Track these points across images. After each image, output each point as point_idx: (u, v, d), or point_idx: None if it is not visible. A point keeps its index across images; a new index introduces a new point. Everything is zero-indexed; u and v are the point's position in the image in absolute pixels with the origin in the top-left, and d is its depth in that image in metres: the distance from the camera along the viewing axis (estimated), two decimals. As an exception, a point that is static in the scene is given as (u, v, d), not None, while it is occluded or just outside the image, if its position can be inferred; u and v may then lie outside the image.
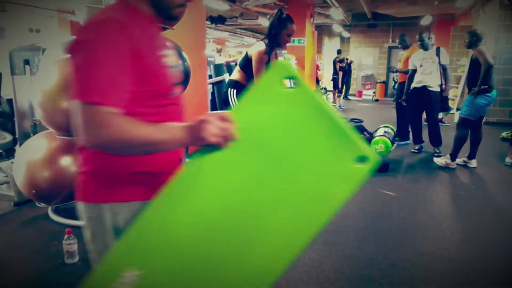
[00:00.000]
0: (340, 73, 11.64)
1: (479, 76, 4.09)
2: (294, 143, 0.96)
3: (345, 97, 12.97)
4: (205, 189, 0.98)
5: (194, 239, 1.00)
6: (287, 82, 0.94)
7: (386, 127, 5.04)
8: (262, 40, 2.91)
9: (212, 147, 0.93)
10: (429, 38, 5.07)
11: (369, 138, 4.93)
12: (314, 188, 0.97)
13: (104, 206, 1.01)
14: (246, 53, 2.93)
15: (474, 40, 4.22)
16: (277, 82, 0.94)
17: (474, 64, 4.19)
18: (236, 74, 3.00)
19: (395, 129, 5.10)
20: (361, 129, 5.19)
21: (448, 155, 4.48)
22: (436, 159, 4.64)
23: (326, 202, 0.97)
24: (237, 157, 0.96)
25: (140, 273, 0.98)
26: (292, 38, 2.99)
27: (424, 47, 4.96)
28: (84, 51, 0.88)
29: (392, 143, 4.71)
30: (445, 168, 4.44)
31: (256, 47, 2.86)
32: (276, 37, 2.84)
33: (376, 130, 5.08)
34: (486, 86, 4.10)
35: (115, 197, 1.01)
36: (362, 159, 0.94)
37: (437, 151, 4.90)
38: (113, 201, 1.01)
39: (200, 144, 0.93)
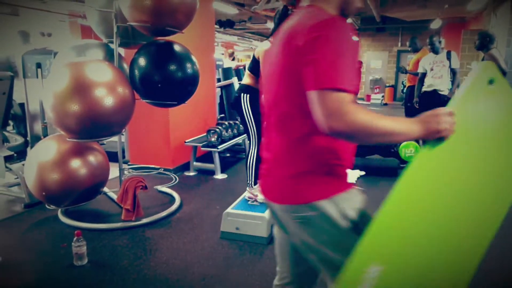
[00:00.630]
0: None
1: None
2: (492, 138, 1.05)
3: None
4: (435, 182, 1.03)
5: (429, 232, 1.03)
6: None
7: None
8: (267, 39, 2.91)
9: (438, 141, 0.98)
10: (439, 42, 5.03)
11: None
12: (506, 184, 1.06)
13: (326, 202, 1.03)
14: (253, 56, 2.93)
15: (486, 42, 4.12)
16: (484, 80, 1.03)
17: None
18: (247, 79, 3.00)
19: None
20: None
21: None
22: None
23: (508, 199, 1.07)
24: (452, 151, 1.02)
25: (381, 268, 0.99)
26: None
27: (435, 50, 4.92)
28: (330, 44, 0.92)
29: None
30: None
31: (262, 46, 2.86)
32: None
33: None
34: None
35: (329, 192, 1.04)
36: None
37: None
38: (330, 196, 1.03)
39: (432, 138, 0.98)
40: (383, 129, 0.92)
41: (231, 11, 9.64)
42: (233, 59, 10.37)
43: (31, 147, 3.54)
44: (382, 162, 4.56)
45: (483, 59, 4.21)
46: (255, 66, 2.91)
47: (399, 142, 0.96)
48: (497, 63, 3.95)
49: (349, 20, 10.01)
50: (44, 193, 2.81)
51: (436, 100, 4.81)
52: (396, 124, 0.94)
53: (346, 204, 1.05)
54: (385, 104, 12.87)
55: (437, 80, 4.80)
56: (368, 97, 13.35)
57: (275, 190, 1.12)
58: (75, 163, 2.85)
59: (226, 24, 11.66)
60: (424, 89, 4.98)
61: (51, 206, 3.00)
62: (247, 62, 4.52)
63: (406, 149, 4.47)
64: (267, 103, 1.14)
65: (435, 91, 4.81)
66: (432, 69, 4.86)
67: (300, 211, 1.05)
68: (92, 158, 2.97)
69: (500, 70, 3.92)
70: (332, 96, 0.89)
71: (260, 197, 3.03)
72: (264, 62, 1.21)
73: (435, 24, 11.25)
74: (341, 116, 0.88)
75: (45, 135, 3.63)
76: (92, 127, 2.68)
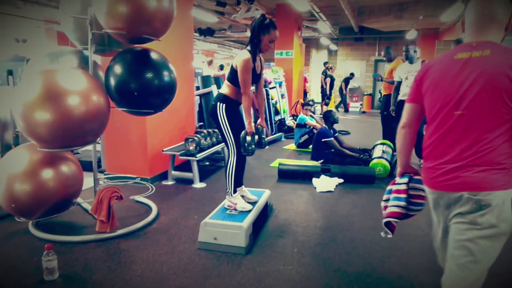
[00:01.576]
0: (328, 80, 11.64)
1: None
2: None
3: (346, 110, 13.14)
4: None
5: None
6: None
7: (383, 144, 5.00)
8: (245, 48, 2.90)
9: None
10: (415, 51, 5.15)
11: (360, 158, 4.95)
12: None
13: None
14: (232, 66, 2.91)
15: None
16: None
17: None
18: (225, 88, 2.97)
19: (392, 145, 4.94)
20: (331, 145, 5.19)
21: None
22: None
23: None
24: None
25: None
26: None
27: (410, 60, 5.04)
28: None
29: (390, 162, 4.71)
30: None
31: (241, 56, 2.84)
32: (259, 43, 2.84)
33: (373, 148, 5.07)
34: None
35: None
36: None
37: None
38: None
39: None
40: None
41: (211, 19, 9.64)
42: (222, 68, 10.36)
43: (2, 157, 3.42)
44: (360, 170, 4.61)
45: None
46: (234, 77, 2.89)
47: None
48: None
49: (328, 30, 10.03)
50: (13, 205, 2.70)
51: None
52: None
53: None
54: (364, 112, 13.08)
55: (412, 89, 4.90)
56: (347, 105, 13.55)
57: (467, 180, 1.40)
58: (47, 174, 2.76)
59: (206, 32, 11.65)
60: (399, 98, 5.08)
61: (21, 218, 2.89)
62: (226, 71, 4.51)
63: (374, 168, 4.66)
64: (454, 111, 1.42)
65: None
66: (406, 78, 4.97)
67: (491, 196, 1.37)
68: (64, 168, 2.88)
69: None
70: None
71: (240, 206, 2.99)
72: (441, 74, 1.47)
73: (411, 35, 11.57)
74: None
75: (16, 144, 3.52)
76: (64, 136, 2.60)
